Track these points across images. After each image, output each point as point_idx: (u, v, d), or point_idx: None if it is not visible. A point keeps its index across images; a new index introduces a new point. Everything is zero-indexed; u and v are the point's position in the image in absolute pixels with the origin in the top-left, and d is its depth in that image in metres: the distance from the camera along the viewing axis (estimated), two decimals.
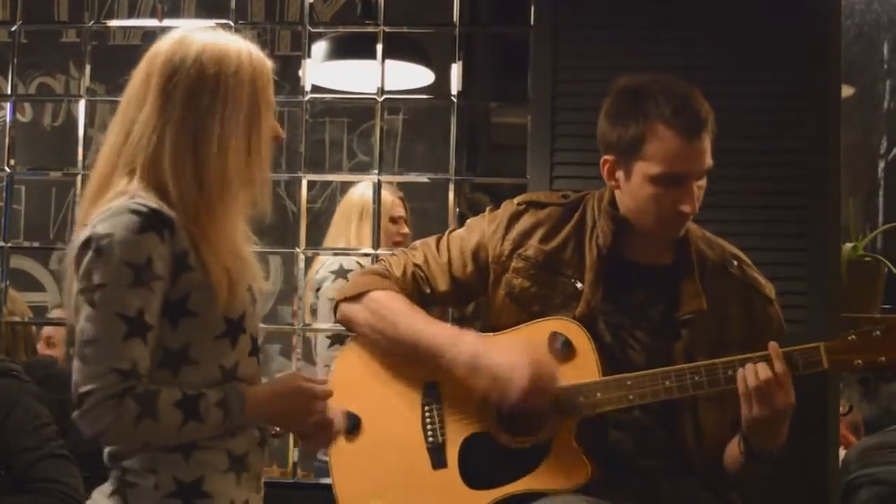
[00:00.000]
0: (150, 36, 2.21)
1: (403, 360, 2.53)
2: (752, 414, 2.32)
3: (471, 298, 2.72)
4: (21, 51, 3.70)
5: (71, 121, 5.19)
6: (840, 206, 3.20)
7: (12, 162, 3.65)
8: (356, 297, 2.59)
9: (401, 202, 4.17)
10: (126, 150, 2.02)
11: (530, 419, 2.45)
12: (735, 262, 2.56)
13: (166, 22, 3.56)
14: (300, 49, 3.65)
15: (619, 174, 2.48)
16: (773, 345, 2.35)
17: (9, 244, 3.66)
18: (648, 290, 2.53)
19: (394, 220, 4.09)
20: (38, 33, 4.97)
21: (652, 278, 2.53)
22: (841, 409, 3.46)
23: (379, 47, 3.50)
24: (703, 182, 2.45)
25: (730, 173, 2.62)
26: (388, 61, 3.52)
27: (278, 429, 2.19)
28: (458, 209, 3.48)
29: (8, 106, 3.84)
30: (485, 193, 4.57)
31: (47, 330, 4.64)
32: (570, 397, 2.41)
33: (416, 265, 2.61)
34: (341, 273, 3.92)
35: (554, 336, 2.46)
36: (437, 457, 2.49)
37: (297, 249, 3.51)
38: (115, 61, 2.86)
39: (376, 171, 3.52)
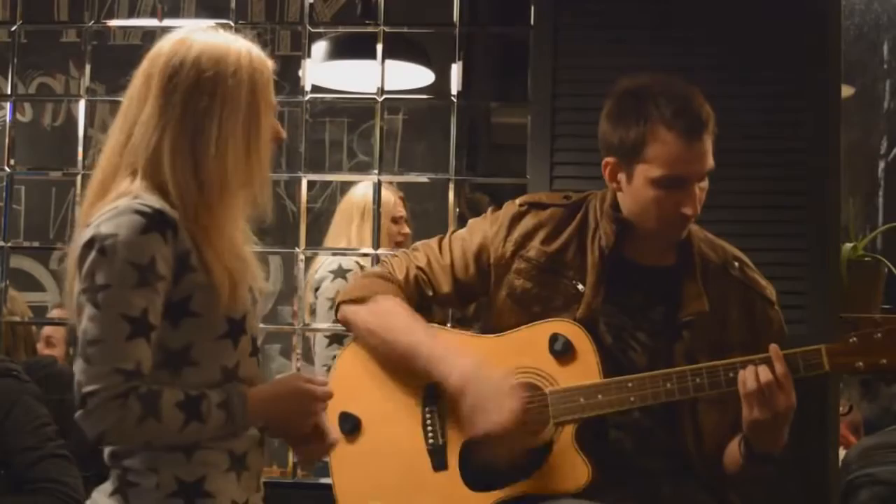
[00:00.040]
0: (150, 36, 2.22)
1: (397, 367, 2.53)
2: (754, 416, 2.31)
3: (473, 299, 2.72)
4: (21, 51, 3.70)
5: (71, 121, 5.19)
6: (840, 206, 3.20)
7: (12, 162, 3.65)
8: (358, 300, 2.59)
9: (401, 202, 4.17)
10: (128, 152, 2.03)
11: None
12: (736, 264, 2.56)
13: (166, 22, 3.56)
14: (300, 49, 3.65)
15: (621, 176, 2.48)
16: (773, 347, 2.35)
17: (9, 244, 3.66)
18: (650, 290, 2.52)
19: (395, 219, 4.10)
20: (38, 33, 4.97)
21: (653, 279, 2.53)
22: (841, 409, 3.46)
23: (379, 47, 3.50)
24: (704, 183, 2.45)
25: (730, 173, 2.62)
26: (388, 61, 3.52)
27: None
28: (458, 209, 3.48)
29: (8, 106, 3.84)
30: (485, 193, 4.57)
31: (47, 330, 4.64)
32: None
33: (418, 268, 2.60)
34: (340, 273, 3.92)
35: (554, 337, 2.46)
36: (438, 459, 2.48)
37: (297, 249, 3.51)
38: (115, 61, 2.86)
39: (376, 171, 3.52)
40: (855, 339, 2.36)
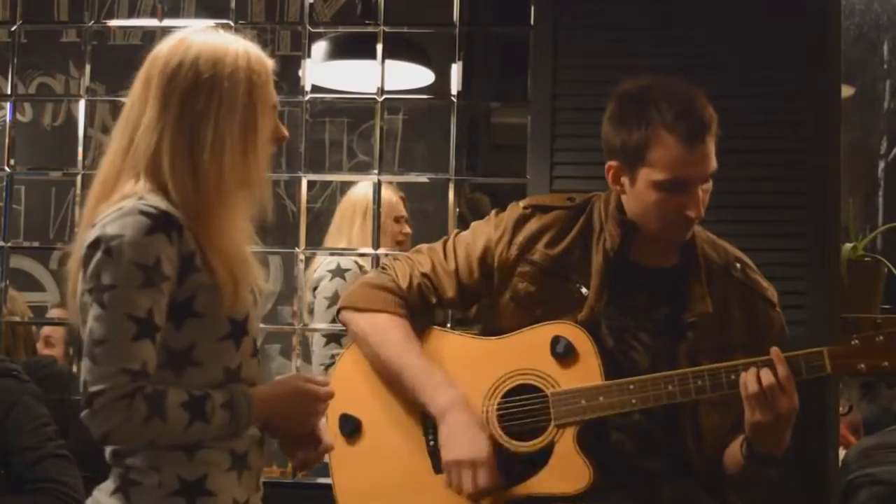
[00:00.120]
0: (150, 36, 2.22)
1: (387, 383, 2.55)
2: (756, 418, 2.31)
3: (476, 302, 2.72)
4: (21, 51, 3.70)
5: (71, 121, 5.18)
6: (840, 206, 3.20)
7: (12, 162, 3.65)
8: (359, 310, 2.59)
9: (402, 202, 4.17)
10: (130, 155, 2.03)
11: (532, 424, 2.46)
12: (738, 265, 2.56)
13: (166, 22, 3.56)
14: (300, 49, 3.65)
15: (625, 180, 2.47)
16: (775, 350, 2.35)
17: (8, 244, 3.66)
18: (653, 291, 2.52)
19: (397, 219, 4.09)
20: (38, 33, 4.96)
21: (657, 280, 2.52)
22: (841, 409, 3.46)
23: (379, 47, 3.50)
24: (708, 185, 2.44)
25: (730, 173, 2.61)
26: (388, 61, 3.53)
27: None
28: (458, 209, 3.48)
29: (8, 106, 3.84)
30: (485, 193, 4.57)
31: (46, 330, 4.63)
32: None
33: (423, 274, 2.59)
34: (338, 272, 3.92)
35: (556, 340, 2.45)
36: (439, 460, 2.48)
37: (297, 249, 3.51)
38: (115, 61, 2.87)
39: (376, 171, 3.52)
40: (857, 341, 2.36)
